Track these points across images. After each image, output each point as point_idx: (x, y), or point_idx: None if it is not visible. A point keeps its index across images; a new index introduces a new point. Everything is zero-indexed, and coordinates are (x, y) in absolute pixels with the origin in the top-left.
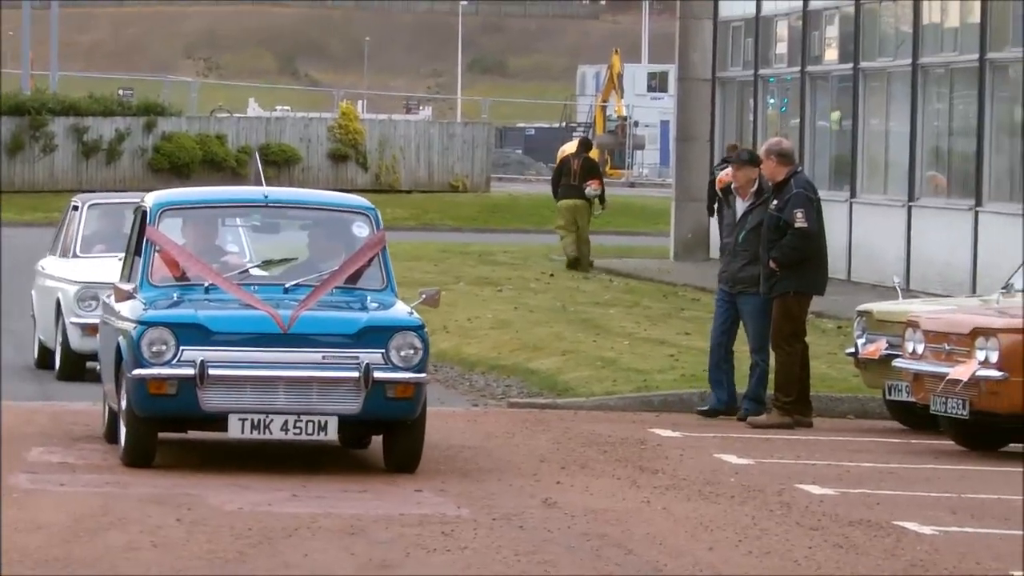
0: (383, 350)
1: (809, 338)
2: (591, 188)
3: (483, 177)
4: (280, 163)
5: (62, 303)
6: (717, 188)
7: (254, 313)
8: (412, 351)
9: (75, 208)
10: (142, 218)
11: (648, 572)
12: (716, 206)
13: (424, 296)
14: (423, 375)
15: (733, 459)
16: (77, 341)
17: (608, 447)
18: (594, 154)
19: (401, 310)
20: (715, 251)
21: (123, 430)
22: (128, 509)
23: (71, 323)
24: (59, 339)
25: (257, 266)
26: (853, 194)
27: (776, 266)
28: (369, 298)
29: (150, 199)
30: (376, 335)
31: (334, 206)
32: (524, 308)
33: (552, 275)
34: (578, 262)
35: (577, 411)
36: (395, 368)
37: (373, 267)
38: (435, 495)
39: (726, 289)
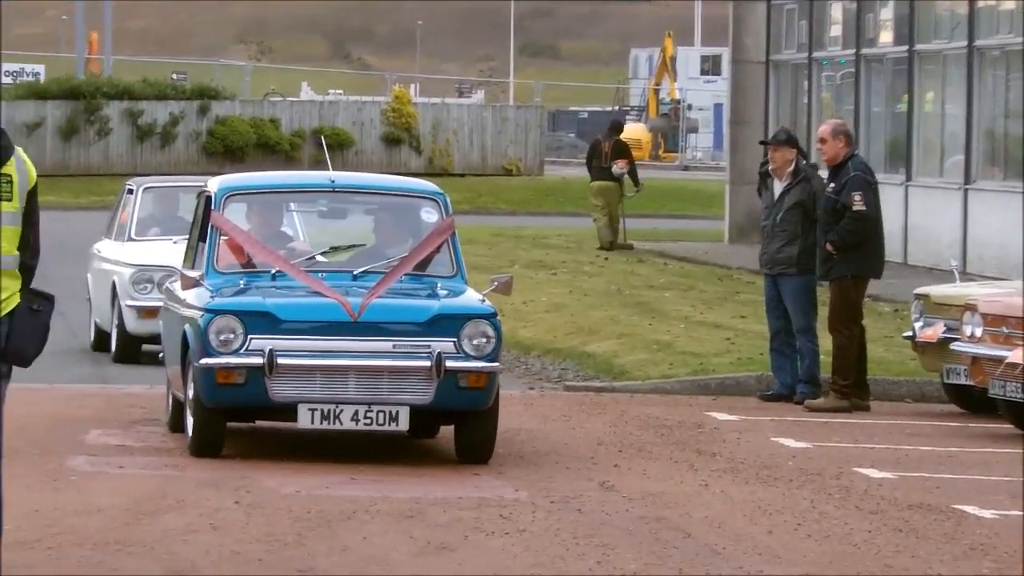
0: (455, 339)
1: (866, 321)
2: (617, 167)
3: (536, 160)
4: (333, 147)
5: (118, 286)
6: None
7: (323, 301)
8: (484, 340)
9: (130, 191)
10: (206, 203)
11: (706, 555)
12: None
13: (496, 283)
14: (496, 364)
15: (791, 443)
16: (133, 323)
17: (665, 430)
18: (640, 134)
19: (472, 298)
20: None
21: (190, 420)
22: (186, 492)
23: (127, 306)
24: (115, 322)
25: (324, 252)
26: (908, 177)
27: (833, 249)
28: (439, 285)
29: (214, 184)
30: (448, 323)
31: (402, 191)
32: (579, 291)
33: (606, 258)
34: (612, 244)
35: (633, 394)
36: (467, 357)
37: (442, 253)
38: (493, 478)
39: (767, 271)
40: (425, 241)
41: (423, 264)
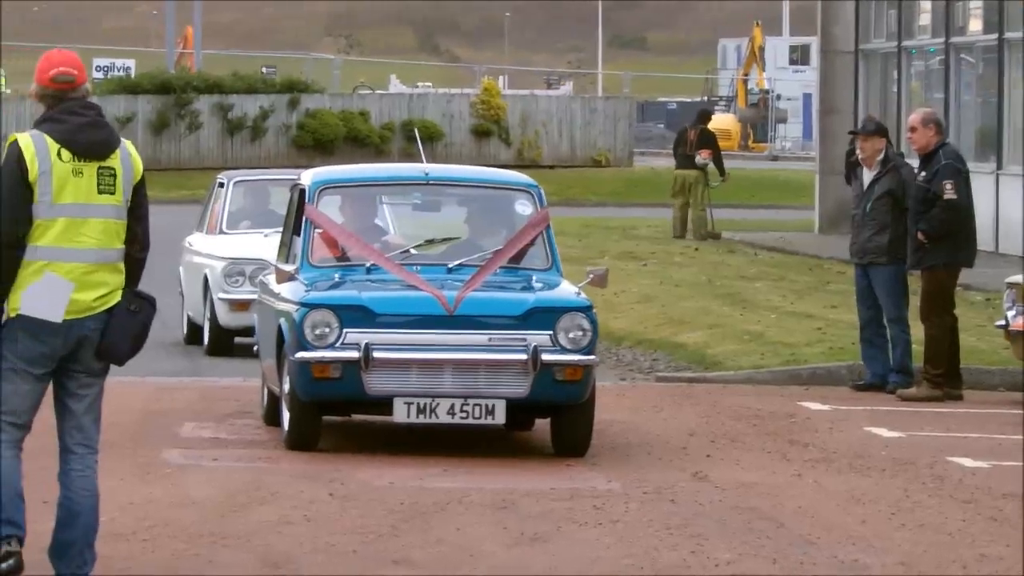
0: (551, 332)
1: (958, 311)
2: (701, 157)
3: (625, 151)
4: (422, 139)
5: (209, 279)
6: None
7: (418, 294)
8: (581, 333)
9: (220, 185)
10: (300, 197)
11: (800, 545)
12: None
13: (592, 276)
14: (592, 357)
15: (883, 432)
16: (225, 316)
17: (757, 421)
18: (729, 124)
19: (568, 290)
20: None
21: (285, 414)
22: (280, 484)
23: (219, 299)
24: (207, 315)
25: (418, 246)
26: (999, 166)
27: (925, 238)
28: (534, 278)
29: (308, 177)
30: (544, 316)
31: (496, 183)
32: (669, 282)
33: (696, 249)
34: (699, 235)
35: (725, 385)
36: (563, 350)
37: (537, 246)
38: (586, 469)
39: (857, 261)
40: (520, 233)
41: (518, 257)
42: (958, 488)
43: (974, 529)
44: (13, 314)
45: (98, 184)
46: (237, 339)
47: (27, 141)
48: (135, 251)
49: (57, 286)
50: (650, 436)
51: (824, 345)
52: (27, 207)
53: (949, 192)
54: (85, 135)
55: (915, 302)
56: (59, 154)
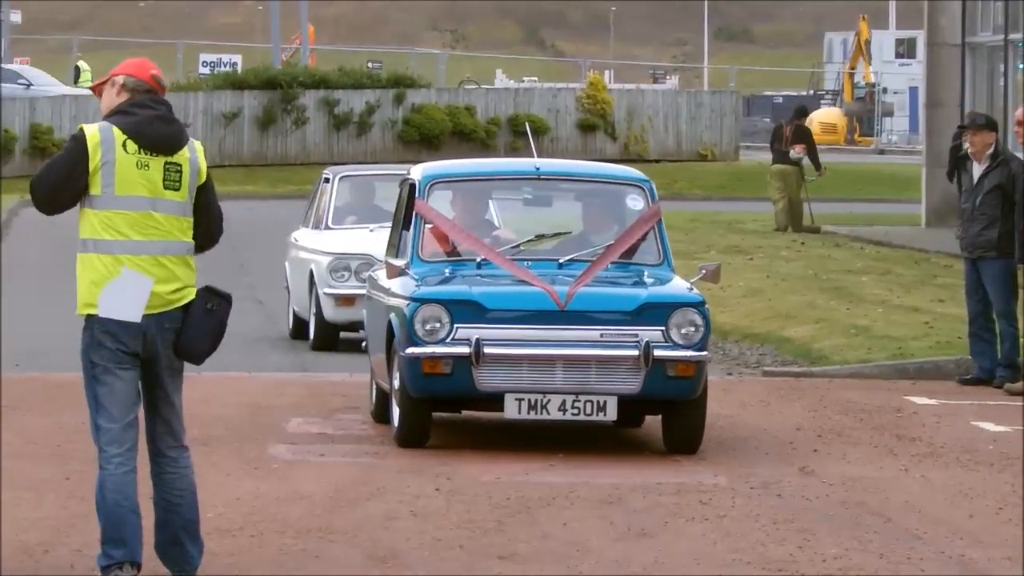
0: (663, 327)
1: None
2: (795, 152)
3: (732, 145)
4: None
5: (315, 274)
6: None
7: (530, 289)
8: (693, 328)
9: (326, 180)
10: (410, 191)
11: (907, 540)
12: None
13: (704, 271)
14: (704, 353)
15: (991, 426)
16: (331, 311)
17: (864, 415)
18: (835, 118)
19: (680, 286)
20: None
21: (395, 410)
22: (387, 479)
23: (324, 294)
24: (313, 310)
25: (529, 241)
26: None
27: None
28: (646, 273)
29: (418, 172)
30: (656, 312)
31: (607, 178)
32: (776, 276)
33: (803, 243)
34: (788, 227)
35: (832, 379)
36: (675, 346)
37: (648, 241)
38: (692, 464)
39: (967, 255)
40: (631, 228)
41: (629, 252)
42: None
43: None
44: (89, 312)
45: (164, 179)
46: (342, 334)
47: (93, 130)
48: (202, 243)
49: (137, 283)
50: (757, 431)
51: (931, 339)
52: (72, 189)
53: None
54: (154, 128)
55: (1023, 296)
56: (124, 145)
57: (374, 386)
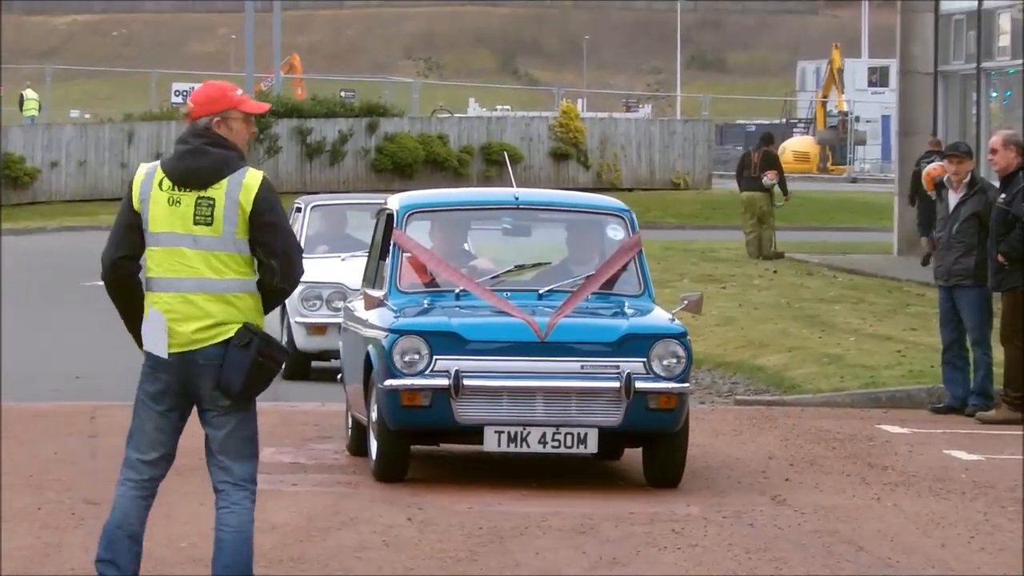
0: (644, 359)
1: None
2: (767, 178)
3: (704, 174)
4: (502, 162)
5: (287, 303)
6: (924, 182)
7: (510, 320)
8: (675, 360)
9: (298, 209)
10: (387, 221)
11: (879, 568)
12: (916, 198)
13: (686, 302)
14: (686, 385)
15: (963, 455)
16: (302, 340)
17: (836, 444)
18: (808, 147)
19: (661, 317)
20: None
21: (373, 443)
22: (359, 509)
23: (296, 322)
24: (284, 339)
25: (508, 271)
26: None
27: (1005, 260)
28: (627, 304)
29: (395, 201)
30: (637, 343)
31: (587, 208)
32: (748, 305)
33: (775, 272)
34: (764, 254)
35: (804, 408)
36: (657, 378)
37: (629, 271)
38: (665, 493)
39: (942, 283)
40: (612, 259)
41: (610, 282)
42: None
43: None
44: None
45: (194, 214)
46: (314, 363)
47: (140, 170)
48: (269, 281)
49: (155, 320)
50: (729, 460)
51: (904, 368)
52: (128, 233)
53: None
54: (183, 163)
55: (997, 324)
56: (160, 183)
57: (350, 418)
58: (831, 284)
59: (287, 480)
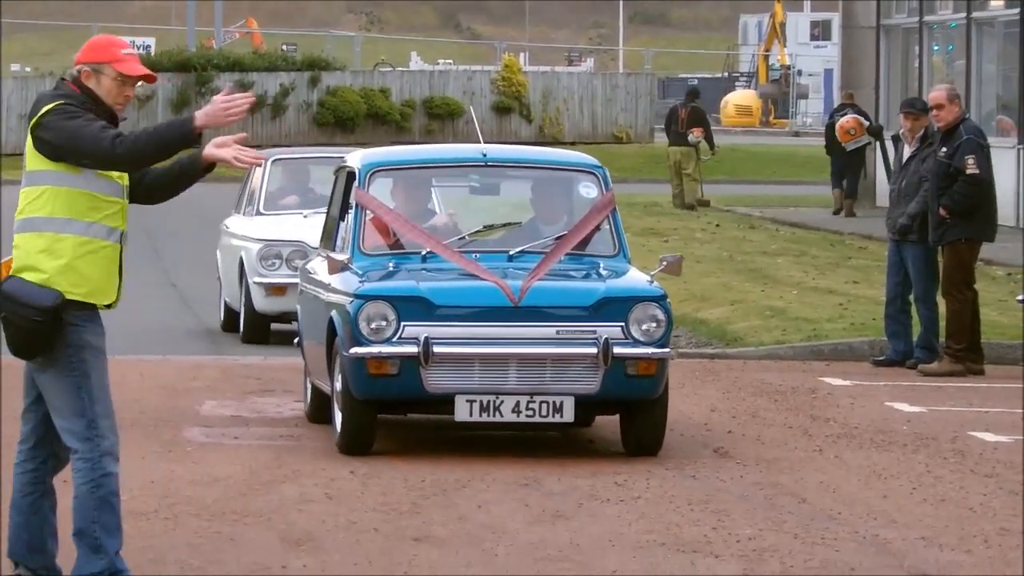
0: (623, 323)
1: (979, 285)
2: (693, 135)
3: (647, 128)
4: (444, 116)
5: (245, 262)
6: (837, 134)
7: (480, 284)
8: (655, 324)
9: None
10: (347, 179)
11: (821, 520)
12: (829, 150)
13: (665, 263)
14: (667, 350)
15: (905, 407)
16: (261, 302)
17: (779, 396)
18: (750, 100)
19: (639, 278)
20: (881, 199)
21: (338, 414)
22: (302, 462)
23: (254, 283)
24: (243, 300)
25: (476, 232)
26: (1021, 140)
27: (947, 214)
28: (602, 265)
29: (356, 159)
30: (615, 307)
31: (558, 164)
32: (691, 258)
33: (718, 225)
34: (686, 204)
35: (746, 361)
36: (636, 343)
37: (603, 231)
38: (607, 446)
39: (892, 237)
40: (586, 218)
41: (583, 243)
42: (979, 463)
43: (995, 503)
44: None
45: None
46: (273, 325)
47: None
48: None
49: None
50: (672, 412)
51: (846, 321)
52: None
53: (971, 167)
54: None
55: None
56: None
57: (309, 385)
58: (773, 237)
59: (229, 433)
